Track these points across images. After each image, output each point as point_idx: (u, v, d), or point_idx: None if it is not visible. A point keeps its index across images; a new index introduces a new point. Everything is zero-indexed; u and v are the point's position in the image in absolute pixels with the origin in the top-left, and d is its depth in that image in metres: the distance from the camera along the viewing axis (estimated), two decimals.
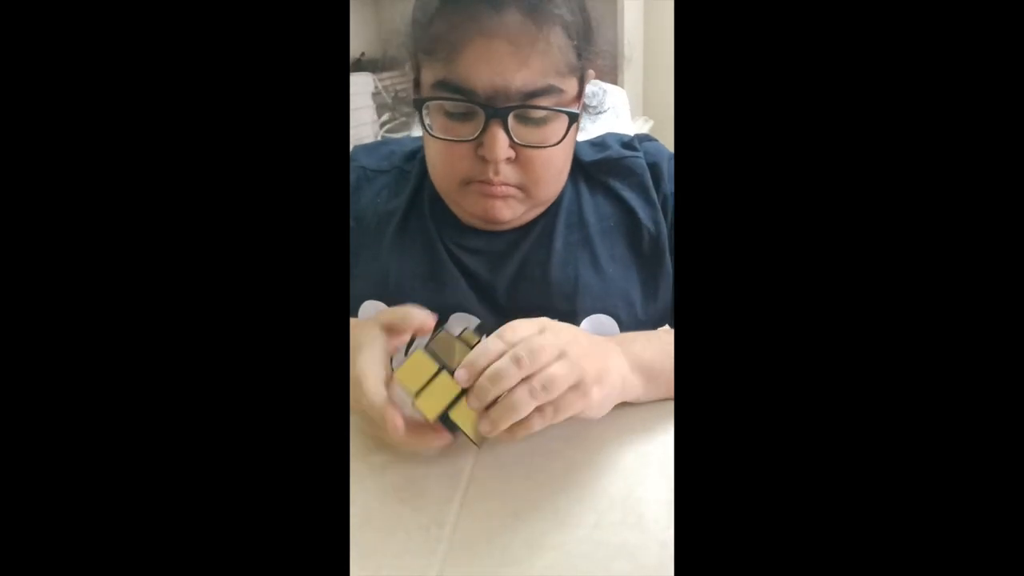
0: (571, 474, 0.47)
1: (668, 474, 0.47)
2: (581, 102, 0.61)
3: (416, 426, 0.45)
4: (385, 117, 1.70)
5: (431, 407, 0.44)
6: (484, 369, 0.42)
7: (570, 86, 0.57)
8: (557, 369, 0.42)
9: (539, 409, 0.42)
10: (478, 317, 0.62)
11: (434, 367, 0.44)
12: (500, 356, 0.42)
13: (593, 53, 0.59)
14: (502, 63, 0.53)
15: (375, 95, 1.69)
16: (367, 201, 0.68)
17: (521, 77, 0.53)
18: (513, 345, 0.42)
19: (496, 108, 0.54)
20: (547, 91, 0.55)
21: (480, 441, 0.44)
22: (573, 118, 0.58)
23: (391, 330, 0.50)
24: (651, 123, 2.14)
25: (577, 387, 0.43)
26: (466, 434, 0.44)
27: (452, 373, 0.44)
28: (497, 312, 0.62)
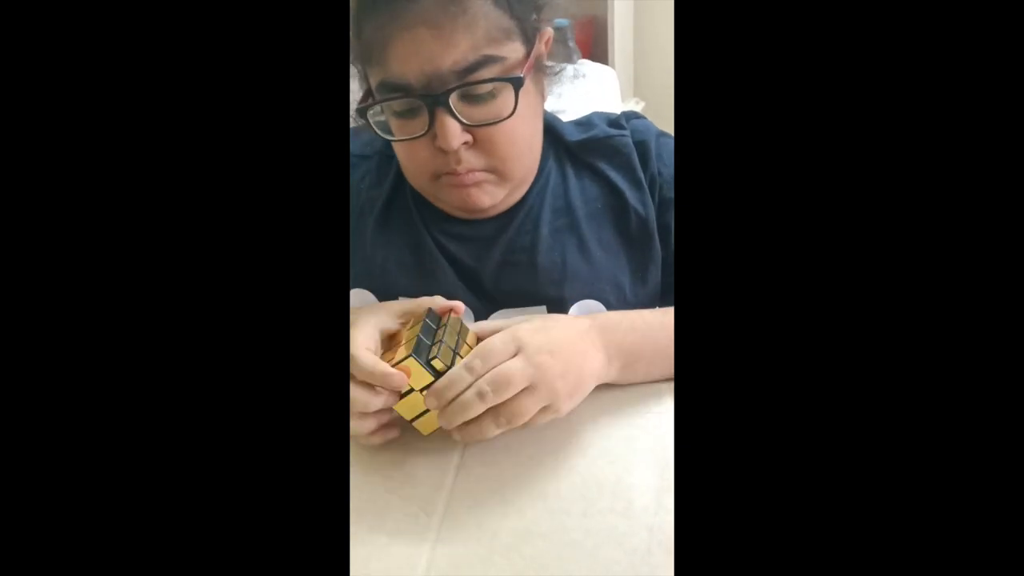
0: (560, 461, 0.48)
1: (657, 461, 0.47)
2: (531, 63, 0.57)
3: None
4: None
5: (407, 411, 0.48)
6: (451, 401, 0.45)
7: (512, 51, 0.55)
8: (524, 401, 0.45)
9: (493, 414, 0.45)
10: (465, 304, 0.62)
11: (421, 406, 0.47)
12: (468, 387, 0.44)
13: (532, 7, 0.57)
14: (427, 49, 0.52)
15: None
16: (350, 187, 0.67)
17: (450, 58, 0.52)
18: (480, 376, 0.44)
19: (434, 95, 0.53)
20: (483, 63, 0.53)
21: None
22: (517, 83, 0.55)
23: (402, 315, 0.52)
24: (643, 104, 2.12)
25: (546, 408, 0.46)
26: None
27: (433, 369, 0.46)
28: (484, 300, 0.62)
